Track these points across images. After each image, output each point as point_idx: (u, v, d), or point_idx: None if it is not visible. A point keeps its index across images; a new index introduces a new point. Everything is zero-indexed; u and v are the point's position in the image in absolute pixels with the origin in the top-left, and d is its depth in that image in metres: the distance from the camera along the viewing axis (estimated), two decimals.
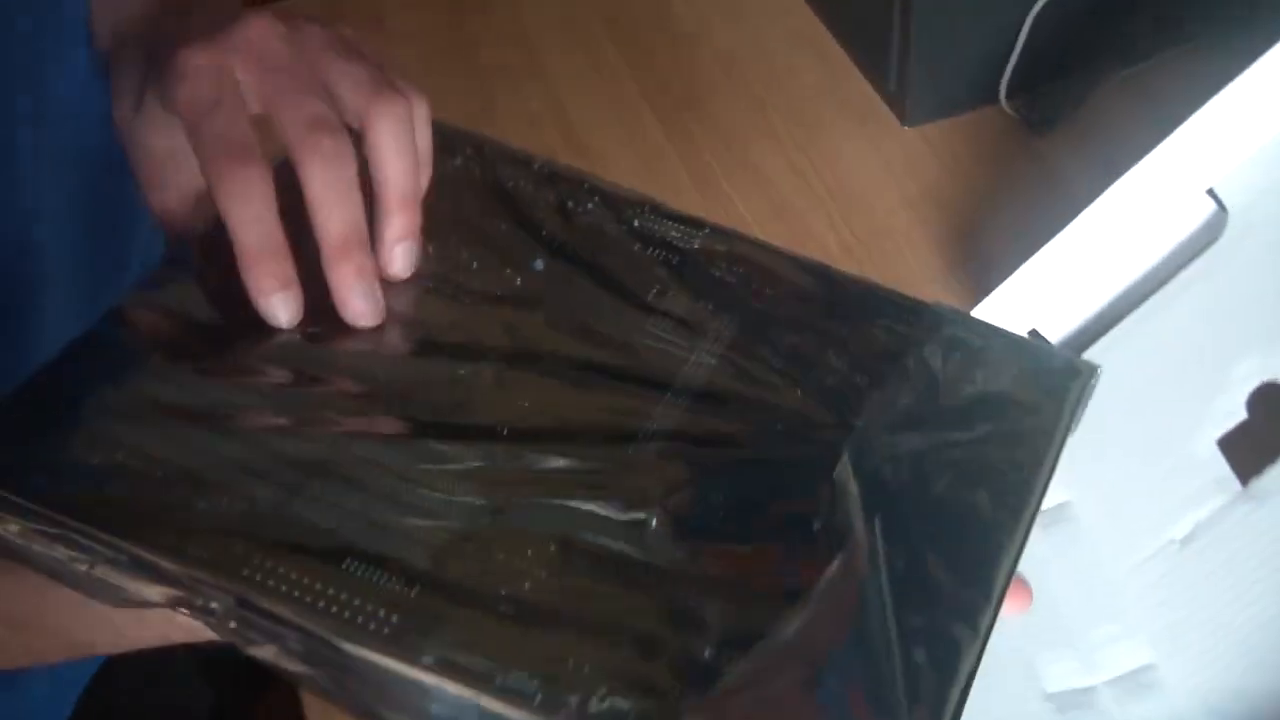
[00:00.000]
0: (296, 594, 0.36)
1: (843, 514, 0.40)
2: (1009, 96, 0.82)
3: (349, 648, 0.35)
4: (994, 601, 0.39)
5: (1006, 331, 0.48)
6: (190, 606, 0.36)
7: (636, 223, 0.49)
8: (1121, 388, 0.64)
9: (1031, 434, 0.44)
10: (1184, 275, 0.63)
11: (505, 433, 0.41)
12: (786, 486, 0.41)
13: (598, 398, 0.42)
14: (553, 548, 0.37)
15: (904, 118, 0.84)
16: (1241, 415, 0.58)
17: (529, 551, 0.37)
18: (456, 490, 0.39)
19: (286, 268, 0.42)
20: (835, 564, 0.38)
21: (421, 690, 0.35)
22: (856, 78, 0.87)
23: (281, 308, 0.42)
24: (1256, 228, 0.62)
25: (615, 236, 0.48)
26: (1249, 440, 0.58)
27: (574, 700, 0.34)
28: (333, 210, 0.42)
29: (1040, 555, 0.61)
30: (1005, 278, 0.68)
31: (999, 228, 0.80)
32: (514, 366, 0.43)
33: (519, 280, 0.46)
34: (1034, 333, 0.69)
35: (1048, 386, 0.46)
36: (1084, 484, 0.63)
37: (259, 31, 0.44)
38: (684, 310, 0.46)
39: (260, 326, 0.43)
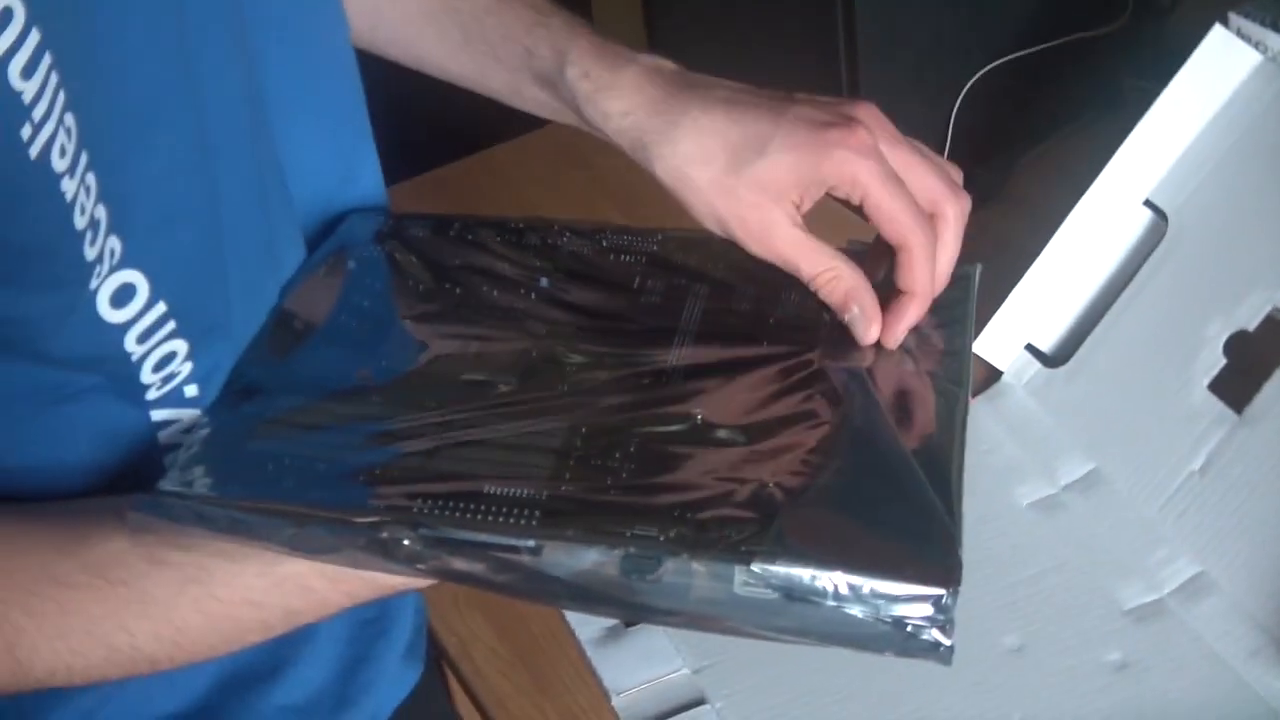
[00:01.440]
0: (461, 515, 0.45)
1: (830, 387, 0.52)
2: None
3: (508, 540, 0.45)
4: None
5: None
6: (384, 545, 0.46)
7: (605, 241, 0.62)
8: (1118, 370, 0.77)
9: (953, 320, 0.57)
10: (1146, 267, 0.77)
11: (565, 389, 0.52)
12: (785, 377, 0.53)
13: (630, 352, 0.54)
14: (633, 449, 0.48)
15: None
16: (1221, 362, 0.71)
17: (617, 454, 0.48)
18: (550, 424, 0.50)
19: None
20: (838, 418, 0.50)
21: (570, 556, 0.44)
22: None
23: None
24: (1192, 221, 0.76)
25: (592, 253, 0.61)
26: (1233, 379, 0.71)
27: (692, 525, 0.44)
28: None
29: (1088, 509, 0.73)
30: (991, 314, 0.81)
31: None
32: (562, 345, 0.55)
33: (533, 295, 0.58)
34: (1029, 346, 0.81)
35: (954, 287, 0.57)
36: (1105, 452, 0.75)
37: (875, 115, 0.54)
38: (664, 287, 0.59)
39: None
